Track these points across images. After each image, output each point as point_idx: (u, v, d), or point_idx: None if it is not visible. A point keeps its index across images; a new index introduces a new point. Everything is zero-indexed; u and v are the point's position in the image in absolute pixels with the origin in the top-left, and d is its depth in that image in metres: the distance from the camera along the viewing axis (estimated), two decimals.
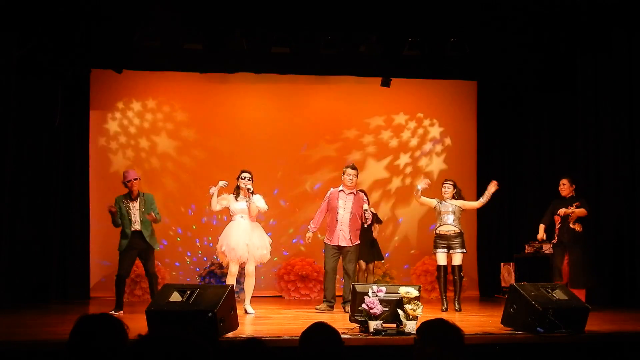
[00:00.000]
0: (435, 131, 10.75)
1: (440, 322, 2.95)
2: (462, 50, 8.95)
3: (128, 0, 8.32)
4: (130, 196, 7.59)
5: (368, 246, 8.79)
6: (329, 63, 9.22)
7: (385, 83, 9.80)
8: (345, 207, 7.74)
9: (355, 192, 7.85)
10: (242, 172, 7.56)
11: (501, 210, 10.17)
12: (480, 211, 10.39)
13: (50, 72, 8.84)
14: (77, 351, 2.38)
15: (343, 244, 7.69)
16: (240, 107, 10.33)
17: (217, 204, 7.42)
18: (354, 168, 7.90)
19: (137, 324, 5.71)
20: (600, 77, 8.56)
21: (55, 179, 9.13)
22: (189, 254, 10.11)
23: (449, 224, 7.73)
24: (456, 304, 7.73)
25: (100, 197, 9.73)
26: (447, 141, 10.73)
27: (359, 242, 7.85)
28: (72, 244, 9.39)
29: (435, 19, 8.72)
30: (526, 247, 9.50)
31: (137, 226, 7.51)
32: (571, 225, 7.92)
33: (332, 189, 7.97)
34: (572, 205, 7.89)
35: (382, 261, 9.48)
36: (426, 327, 2.95)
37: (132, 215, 7.52)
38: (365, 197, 7.97)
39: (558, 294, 5.61)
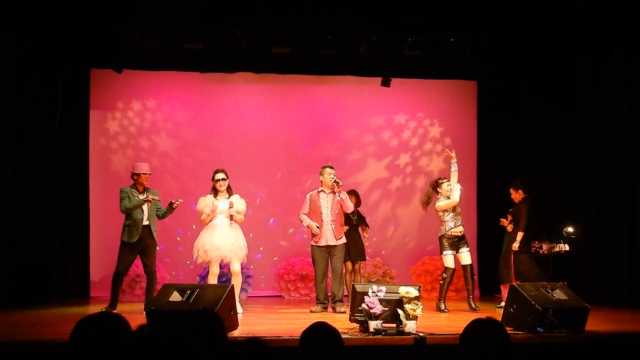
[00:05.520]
0: (435, 131, 10.75)
1: (490, 321, 2.82)
2: (462, 50, 8.95)
3: (128, 1, 8.32)
4: (137, 189, 7.49)
5: (354, 247, 8.61)
6: (329, 63, 9.20)
7: (385, 83, 9.80)
8: (327, 206, 7.73)
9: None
10: (216, 172, 7.56)
11: (501, 210, 10.14)
12: (480, 211, 10.40)
13: (50, 72, 8.84)
14: (79, 351, 2.38)
15: (332, 242, 7.68)
16: (240, 107, 10.32)
17: (206, 212, 7.46)
18: (332, 167, 7.88)
19: (137, 324, 5.67)
20: (600, 77, 8.55)
21: (55, 179, 9.12)
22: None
23: (461, 225, 7.79)
24: (472, 303, 7.70)
25: (100, 197, 9.74)
26: (447, 141, 10.71)
27: (345, 240, 7.85)
28: (72, 244, 9.38)
29: (435, 19, 8.72)
30: None
31: (146, 221, 7.42)
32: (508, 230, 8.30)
33: (310, 193, 7.91)
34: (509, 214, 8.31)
35: (365, 261, 9.18)
36: (476, 326, 2.79)
37: (143, 209, 7.43)
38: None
39: (558, 294, 5.61)
